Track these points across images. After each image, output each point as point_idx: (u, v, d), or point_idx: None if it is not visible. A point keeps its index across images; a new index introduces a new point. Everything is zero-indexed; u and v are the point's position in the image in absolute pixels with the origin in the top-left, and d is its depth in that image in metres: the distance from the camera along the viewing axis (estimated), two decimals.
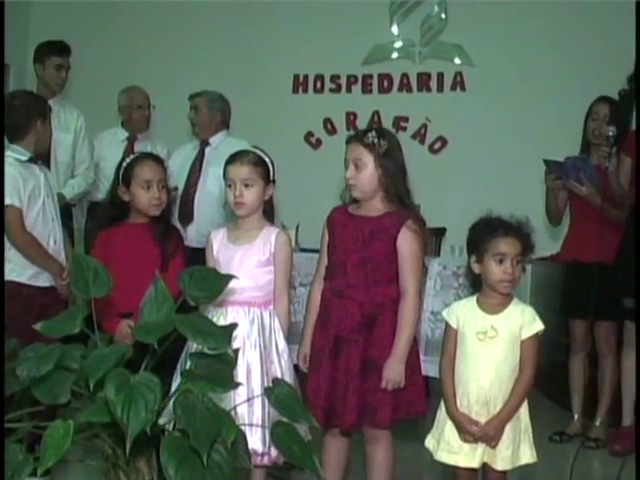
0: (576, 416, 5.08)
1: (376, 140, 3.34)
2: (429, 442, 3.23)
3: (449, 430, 3.13)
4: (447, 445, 3.13)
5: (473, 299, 3.19)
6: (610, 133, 4.72)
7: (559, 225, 5.28)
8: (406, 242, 3.29)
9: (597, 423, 5.01)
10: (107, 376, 2.07)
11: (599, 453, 4.83)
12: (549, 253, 5.45)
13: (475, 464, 3.10)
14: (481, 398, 3.07)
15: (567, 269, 5.14)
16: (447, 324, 3.21)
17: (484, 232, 3.12)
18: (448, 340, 3.19)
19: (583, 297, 4.79)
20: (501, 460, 3.08)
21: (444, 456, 3.16)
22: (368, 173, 3.33)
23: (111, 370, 2.09)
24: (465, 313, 3.15)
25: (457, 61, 7.11)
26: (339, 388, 3.28)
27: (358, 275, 3.31)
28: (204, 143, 5.54)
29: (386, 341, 3.28)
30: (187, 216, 5.41)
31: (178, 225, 5.33)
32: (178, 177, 5.37)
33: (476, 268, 3.15)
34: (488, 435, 3.04)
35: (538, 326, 3.11)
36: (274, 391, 2.14)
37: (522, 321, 3.09)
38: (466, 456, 3.11)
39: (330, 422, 3.32)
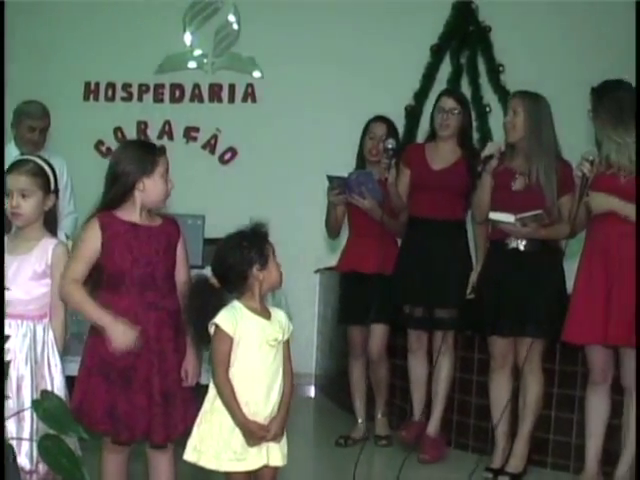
0: (360, 420, 5.23)
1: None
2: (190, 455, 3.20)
3: (235, 439, 3.13)
4: (235, 454, 3.13)
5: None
6: (390, 146, 4.89)
7: (337, 238, 5.44)
8: (184, 248, 3.43)
9: (379, 416, 5.20)
10: None
11: (384, 454, 4.99)
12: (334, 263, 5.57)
13: (264, 461, 3.14)
14: (261, 403, 3.12)
15: (346, 279, 5.28)
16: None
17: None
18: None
19: (361, 305, 4.97)
20: (282, 456, 3.15)
21: (232, 465, 3.13)
22: None
23: None
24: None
25: (249, 73, 7.18)
26: (160, 402, 3.28)
27: (167, 286, 3.34)
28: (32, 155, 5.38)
29: (185, 346, 3.35)
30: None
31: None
32: None
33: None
34: (276, 434, 3.11)
35: (291, 326, 3.21)
36: (43, 404, 2.12)
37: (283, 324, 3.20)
38: (255, 458, 3.13)
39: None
